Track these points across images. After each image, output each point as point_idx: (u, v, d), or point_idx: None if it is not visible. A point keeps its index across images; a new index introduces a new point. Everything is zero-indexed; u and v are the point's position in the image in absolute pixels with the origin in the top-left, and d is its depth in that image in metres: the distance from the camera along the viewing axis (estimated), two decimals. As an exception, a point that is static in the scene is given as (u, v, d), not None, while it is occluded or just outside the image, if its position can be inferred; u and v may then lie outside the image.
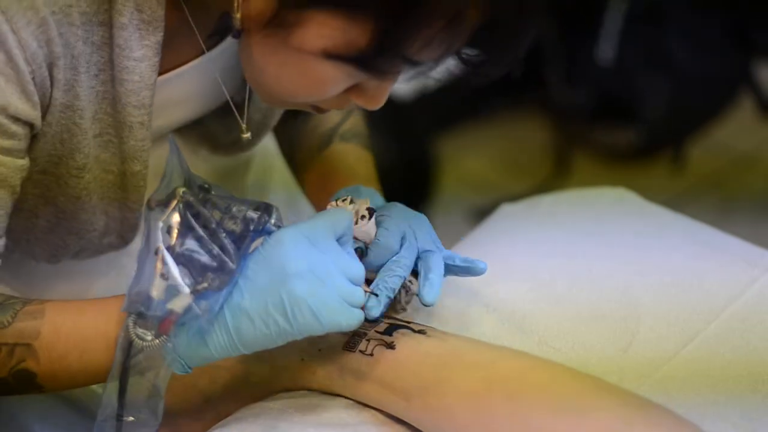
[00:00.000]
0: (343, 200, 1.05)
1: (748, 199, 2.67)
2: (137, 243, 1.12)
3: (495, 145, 2.91)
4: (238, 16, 0.91)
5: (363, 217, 1.02)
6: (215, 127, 1.17)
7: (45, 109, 0.96)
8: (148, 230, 0.89)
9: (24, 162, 0.96)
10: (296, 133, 1.31)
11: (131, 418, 0.93)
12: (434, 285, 1.02)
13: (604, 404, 0.88)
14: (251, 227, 0.90)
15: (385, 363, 0.97)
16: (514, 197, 1.43)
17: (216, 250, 0.88)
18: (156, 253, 0.88)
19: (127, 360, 0.91)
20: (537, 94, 2.80)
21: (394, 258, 1.03)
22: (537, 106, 2.90)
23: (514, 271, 1.20)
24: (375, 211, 1.03)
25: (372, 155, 1.28)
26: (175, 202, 0.89)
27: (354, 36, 0.87)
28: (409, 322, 1.02)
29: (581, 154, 2.83)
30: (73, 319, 0.94)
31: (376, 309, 0.97)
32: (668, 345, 1.07)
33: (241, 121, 1.11)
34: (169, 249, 0.88)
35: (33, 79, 0.91)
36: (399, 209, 1.06)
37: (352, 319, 0.91)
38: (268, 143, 1.47)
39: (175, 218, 0.89)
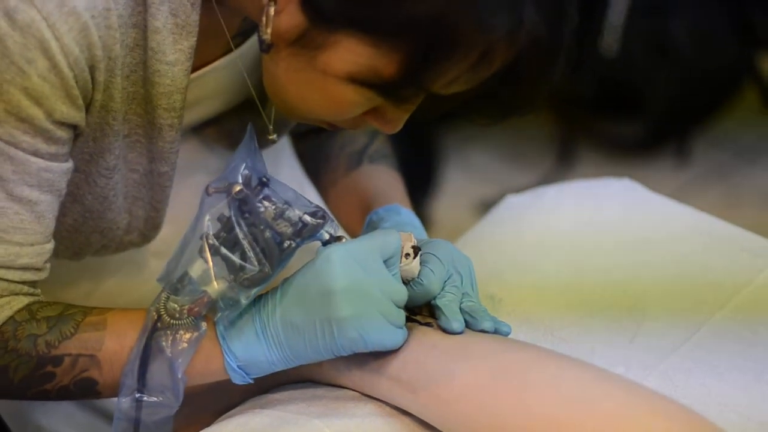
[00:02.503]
0: (414, 248, 1.01)
1: (753, 191, 2.67)
2: (157, 241, 1.13)
3: (499, 136, 2.91)
4: (269, 31, 0.91)
5: (407, 255, 1.00)
6: (234, 124, 1.18)
7: (86, 110, 0.96)
8: (200, 214, 0.91)
9: (69, 165, 0.96)
10: (322, 152, 1.32)
11: (153, 398, 0.94)
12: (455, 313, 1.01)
13: (610, 395, 0.88)
14: (302, 233, 0.92)
15: (391, 355, 0.97)
16: (519, 189, 1.43)
17: (258, 249, 0.90)
18: (201, 238, 0.91)
19: (152, 335, 0.93)
20: (541, 85, 2.79)
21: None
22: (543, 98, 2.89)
23: (520, 263, 1.20)
24: (420, 249, 1.02)
25: (400, 176, 1.29)
26: (229, 197, 0.91)
27: (381, 64, 0.88)
28: (415, 315, 1.02)
29: (586, 145, 2.83)
30: (136, 330, 0.95)
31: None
32: (674, 335, 1.07)
33: (268, 122, 1.11)
34: (214, 237, 0.91)
35: (77, 83, 0.92)
36: (446, 250, 1.04)
37: (396, 339, 0.94)
38: (280, 141, 1.47)
39: (226, 211, 0.91)
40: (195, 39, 0.97)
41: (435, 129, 2.72)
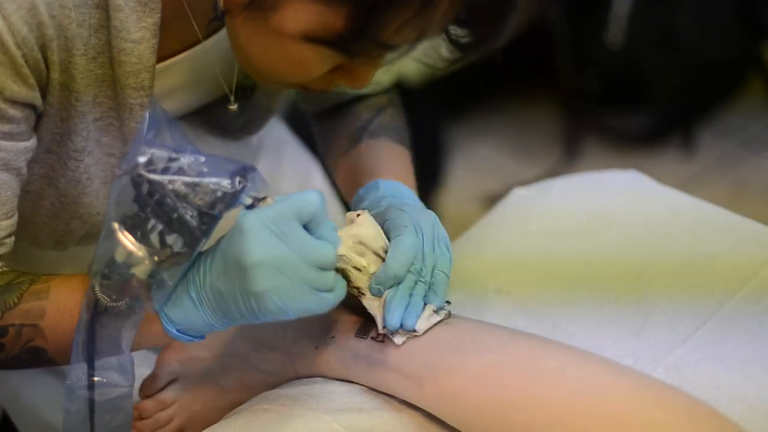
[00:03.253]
0: (358, 214, 1.01)
1: (759, 181, 2.67)
2: None
3: (505, 129, 2.91)
4: None
5: (358, 215, 0.99)
6: (221, 113, 1.18)
7: (44, 90, 0.97)
8: (112, 197, 0.88)
9: (28, 144, 0.97)
10: (331, 132, 1.31)
11: (102, 379, 0.94)
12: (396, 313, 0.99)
13: (618, 387, 0.88)
14: (219, 203, 0.88)
15: (398, 348, 0.98)
16: (525, 182, 1.42)
17: (173, 228, 0.87)
18: (116, 221, 0.88)
19: (93, 318, 0.92)
20: (546, 78, 2.80)
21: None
22: (547, 90, 2.89)
23: (526, 255, 1.20)
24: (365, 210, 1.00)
25: (404, 147, 1.26)
26: (132, 178, 0.87)
27: (329, 19, 0.88)
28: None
29: (591, 138, 2.82)
30: (76, 297, 0.94)
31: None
32: (682, 327, 1.07)
33: (229, 93, 1.11)
34: (130, 218, 0.88)
35: (26, 62, 0.92)
36: (413, 215, 1.03)
37: (321, 304, 0.90)
38: (279, 129, 1.47)
39: (135, 191, 0.88)
40: (159, 16, 0.97)
41: (441, 123, 2.72)
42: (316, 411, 0.98)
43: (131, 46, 0.97)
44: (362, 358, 0.99)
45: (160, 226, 0.87)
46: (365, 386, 1.01)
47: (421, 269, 1.00)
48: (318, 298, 0.89)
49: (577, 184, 1.36)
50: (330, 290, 0.90)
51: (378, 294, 0.98)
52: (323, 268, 0.89)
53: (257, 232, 0.87)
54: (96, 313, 0.92)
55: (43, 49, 0.93)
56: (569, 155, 2.77)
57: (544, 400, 0.89)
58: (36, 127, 0.99)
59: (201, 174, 0.88)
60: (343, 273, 0.96)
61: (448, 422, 0.95)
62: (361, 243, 0.98)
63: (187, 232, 0.88)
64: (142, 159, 0.87)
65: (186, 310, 0.91)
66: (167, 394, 1.08)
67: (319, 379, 1.05)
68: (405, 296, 0.98)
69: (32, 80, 0.94)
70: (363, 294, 0.98)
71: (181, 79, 1.09)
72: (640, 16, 2.63)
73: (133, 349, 0.94)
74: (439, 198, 2.58)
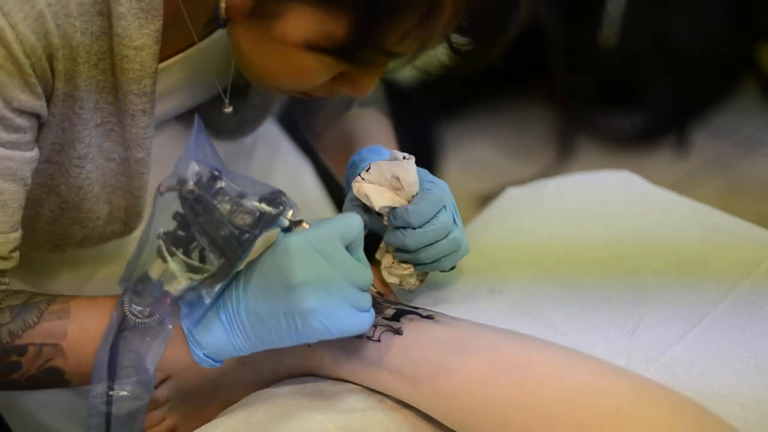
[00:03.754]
0: (405, 156, 1.04)
1: (753, 182, 2.67)
2: (141, 230, 1.12)
3: (499, 129, 2.91)
4: (223, 6, 0.92)
5: (404, 157, 1.02)
6: (217, 113, 1.18)
7: (48, 99, 0.96)
8: (154, 213, 0.90)
9: (33, 154, 0.96)
10: (316, 102, 1.31)
11: (123, 393, 0.94)
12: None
13: (612, 387, 0.88)
14: (260, 223, 0.90)
15: (393, 349, 0.98)
16: (519, 182, 1.43)
17: (215, 245, 0.89)
18: (158, 237, 0.89)
19: (119, 334, 0.92)
20: (541, 78, 2.80)
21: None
22: (541, 90, 2.89)
23: (520, 255, 1.20)
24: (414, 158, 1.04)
25: (390, 120, 1.29)
26: (181, 195, 0.89)
27: (332, 28, 0.88)
28: (416, 308, 1.02)
29: (585, 138, 2.82)
30: (100, 319, 0.95)
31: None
32: (675, 327, 1.07)
33: (223, 95, 1.11)
34: (171, 235, 0.89)
35: (34, 71, 0.92)
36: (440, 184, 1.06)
37: (361, 325, 0.92)
38: (272, 128, 1.47)
39: (180, 208, 0.89)
40: (161, 22, 0.97)
41: (435, 122, 2.72)
42: (308, 410, 0.98)
43: (133, 53, 0.97)
44: (356, 357, 0.99)
45: (202, 244, 0.89)
46: (358, 385, 1.01)
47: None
48: (359, 319, 0.92)
49: (571, 184, 1.37)
50: (368, 311, 0.93)
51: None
52: (362, 290, 0.92)
53: (304, 252, 0.90)
54: (122, 328, 0.92)
55: (50, 58, 0.93)
56: (563, 155, 2.77)
57: (539, 400, 0.89)
58: (36, 137, 0.99)
59: (239, 195, 0.90)
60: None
61: (443, 422, 0.95)
62: (398, 180, 1.03)
63: (230, 250, 0.89)
64: (191, 176, 0.89)
65: (216, 335, 0.93)
66: (160, 393, 1.08)
67: (312, 377, 1.05)
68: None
69: (39, 89, 0.94)
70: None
71: (176, 80, 1.09)
72: (634, 17, 2.63)
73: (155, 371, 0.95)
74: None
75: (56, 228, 1.08)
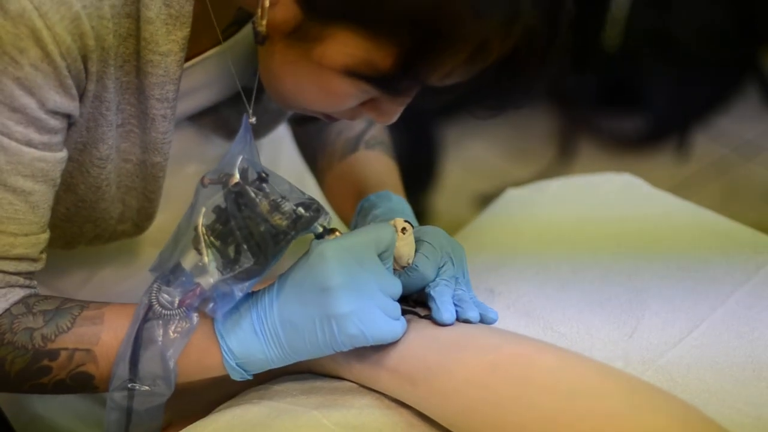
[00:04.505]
0: (404, 229, 1.00)
1: (753, 186, 2.67)
2: (152, 230, 1.13)
3: (500, 130, 2.90)
4: (264, 23, 0.91)
5: (404, 230, 0.99)
6: (230, 114, 1.18)
7: (80, 100, 0.96)
8: (195, 205, 0.91)
9: (63, 154, 0.96)
10: (319, 137, 1.32)
11: (145, 387, 0.95)
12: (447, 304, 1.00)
13: (610, 389, 0.88)
14: (297, 226, 0.92)
15: (391, 347, 0.97)
16: (519, 183, 1.43)
17: (252, 242, 0.90)
18: (195, 229, 0.91)
19: (143, 325, 0.93)
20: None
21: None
22: (542, 91, 2.89)
23: (520, 256, 1.20)
24: (413, 228, 1.01)
25: (396, 163, 1.29)
26: (226, 189, 0.91)
27: (376, 57, 0.88)
28: (415, 308, 1.02)
29: (586, 140, 2.82)
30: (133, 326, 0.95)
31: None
32: (673, 331, 1.07)
33: (248, 106, 1.11)
34: (210, 227, 0.91)
35: (69, 72, 0.92)
36: (439, 236, 1.04)
37: (395, 332, 0.94)
38: (278, 129, 1.46)
39: (222, 202, 0.91)
40: (188, 30, 0.97)
41: (435, 122, 2.72)
42: (305, 406, 0.98)
43: (159, 59, 0.97)
44: (354, 356, 0.99)
45: (239, 239, 0.90)
46: (355, 383, 1.01)
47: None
48: (393, 325, 0.93)
49: (571, 186, 1.36)
50: (398, 319, 0.94)
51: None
52: (394, 298, 0.94)
53: (340, 257, 0.91)
54: (147, 318, 0.92)
55: (85, 59, 0.93)
56: (564, 156, 2.77)
57: (537, 401, 0.89)
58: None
59: (280, 196, 0.92)
60: None
61: (440, 422, 0.95)
62: (396, 258, 0.99)
63: (268, 248, 0.91)
64: (237, 172, 0.91)
65: (247, 342, 0.93)
66: (157, 388, 1.08)
67: (309, 375, 1.04)
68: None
69: (74, 91, 0.93)
70: None
71: (195, 81, 1.08)
72: (637, 19, 2.63)
73: (182, 379, 0.96)
74: (433, 198, 2.58)
75: (69, 225, 1.09)
